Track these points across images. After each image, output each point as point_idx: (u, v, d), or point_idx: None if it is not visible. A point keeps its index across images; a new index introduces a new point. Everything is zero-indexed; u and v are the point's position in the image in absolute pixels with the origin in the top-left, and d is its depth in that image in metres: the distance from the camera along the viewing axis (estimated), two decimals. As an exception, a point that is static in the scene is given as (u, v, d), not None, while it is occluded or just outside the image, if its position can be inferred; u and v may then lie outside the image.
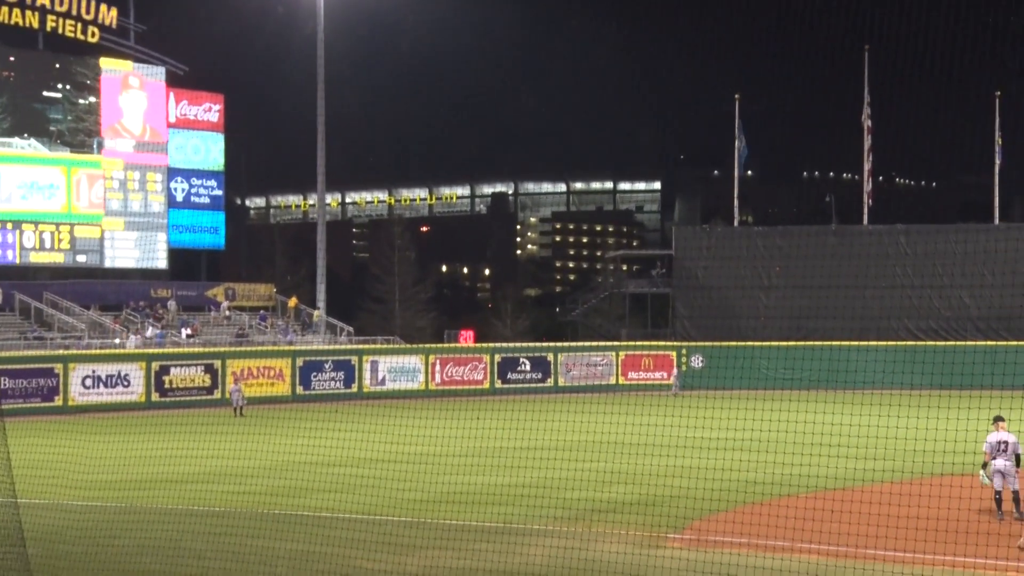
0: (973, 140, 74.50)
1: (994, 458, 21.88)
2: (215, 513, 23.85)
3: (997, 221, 68.11)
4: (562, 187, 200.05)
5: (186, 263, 71.68)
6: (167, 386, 54.52)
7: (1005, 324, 61.49)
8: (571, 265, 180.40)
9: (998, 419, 22.31)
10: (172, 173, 68.27)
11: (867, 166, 68.85)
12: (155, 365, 54.50)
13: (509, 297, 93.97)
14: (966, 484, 22.45)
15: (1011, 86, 70.26)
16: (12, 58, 65.37)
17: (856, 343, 59.27)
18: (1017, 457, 21.82)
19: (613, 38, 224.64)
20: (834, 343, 58.88)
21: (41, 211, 64.16)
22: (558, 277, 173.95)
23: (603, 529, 21.77)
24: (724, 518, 22.24)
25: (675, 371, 61.38)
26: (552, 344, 66.99)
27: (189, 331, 61.75)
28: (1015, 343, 57.31)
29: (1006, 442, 21.85)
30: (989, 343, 57.76)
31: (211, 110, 69.61)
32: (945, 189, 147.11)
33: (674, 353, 63.48)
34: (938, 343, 58.68)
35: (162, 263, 68.26)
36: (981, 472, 22.22)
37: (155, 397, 53.96)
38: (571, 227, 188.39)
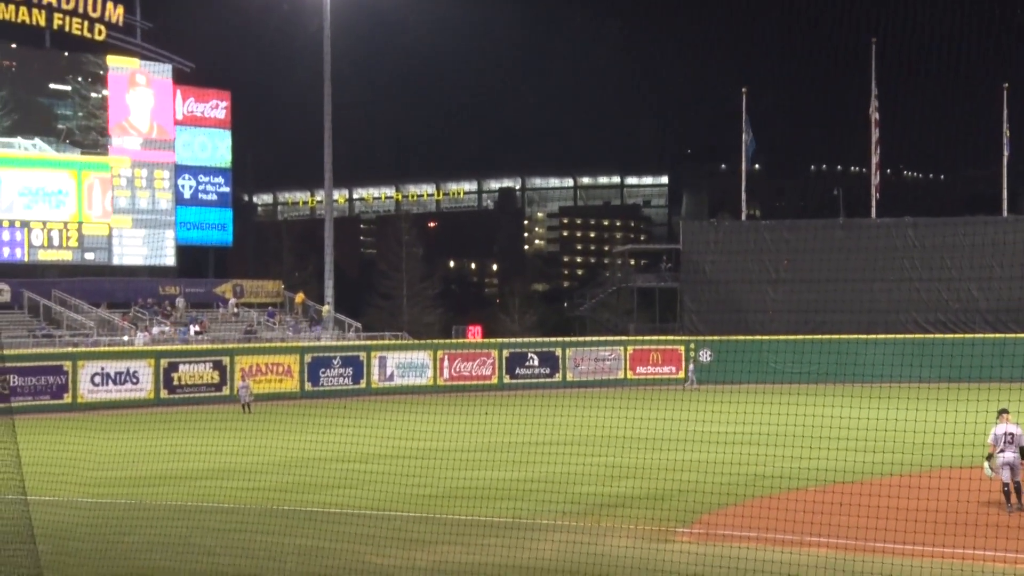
0: (981, 133, 74.49)
1: (1002, 451, 21.90)
2: (224, 509, 23.91)
3: (1005, 213, 67.95)
4: (569, 182, 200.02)
5: (194, 260, 71.79)
6: (176, 383, 54.63)
7: (1014, 316, 61.37)
8: (579, 260, 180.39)
9: (1003, 411, 22.37)
10: (179, 170, 68.35)
11: (875, 159, 68.72)
12: (164, 362, 54.60)
13: (517, 292, 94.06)
14: (974, 477, 22.43)
15: (1019, 78, 70.17)
16: (14, 44, 64.27)
17: (864, 336, 59.16)
18: (1022, 449, 21.85)
19: (620, 34, 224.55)
20: (842, 336, 58.84)
21: (48, 221, 63.80)
22: (566, 272, 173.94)
23: (612, 523, 21.79)
24: (733, 512, 22.24)
25: (691, 365, 61.26)
26: (560, 339, 66.99)
27: (197, 328, 61.87)
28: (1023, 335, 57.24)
29: (1012, 434, 21.91)
30: (997, 335, 57.66)
31: (218, 107, 69.69)
32: (953, 182, 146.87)
33: (682, 347, 63.47)
34: (946, 336, 58.55)
35: (170, 260, 68.36)
36: (986, 464, 22.24)
37: (164, 394, 54.08)
38: (578, 222, 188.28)
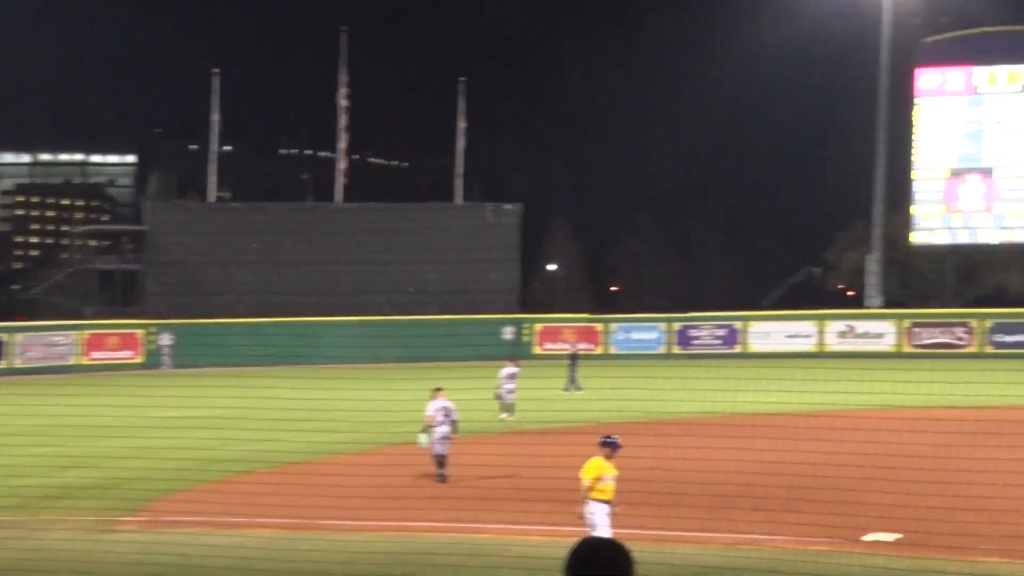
0: (440, 123, 78.48)
1: (441, 423, 23.25)
2: None
3: (460, 201, 71.71)
4: (27, 158, 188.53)
5: None
6: None
7: (462, 298, 64.85)
8: (34, 240, 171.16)
9: (438, 389, 23.95)
10: None
11: (342, 145, 70.21)
12: None
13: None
14: (411, 451, 23.60)
15: (473, 73, 74.64)
16: None
17: (327, 318, 60.34)
18: (454, 423, 23.43)
19: (87, 4, 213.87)
20: (305, 319, 59.73)
21: None
22: (19, 253, 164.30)
23: (52, 516, 20.67)
24: (183, 498, 21.82)
25: (164, 350, 59.08)
26: (8, 324, 62.60)
27: None
28: (471, 316, 60.77)
29: (447, 408, 23.42)
30: (447, 317, 60.73)
31: None
32: (415, 169, 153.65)
33: (142, 332, 61.42)
34: (403, 317, 60.99)
35: None
36: (422, 436, 23.52)
37: None
38: (35, 200, 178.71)
